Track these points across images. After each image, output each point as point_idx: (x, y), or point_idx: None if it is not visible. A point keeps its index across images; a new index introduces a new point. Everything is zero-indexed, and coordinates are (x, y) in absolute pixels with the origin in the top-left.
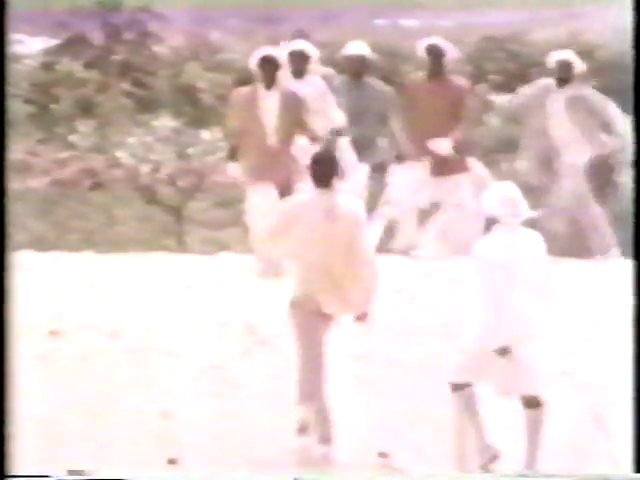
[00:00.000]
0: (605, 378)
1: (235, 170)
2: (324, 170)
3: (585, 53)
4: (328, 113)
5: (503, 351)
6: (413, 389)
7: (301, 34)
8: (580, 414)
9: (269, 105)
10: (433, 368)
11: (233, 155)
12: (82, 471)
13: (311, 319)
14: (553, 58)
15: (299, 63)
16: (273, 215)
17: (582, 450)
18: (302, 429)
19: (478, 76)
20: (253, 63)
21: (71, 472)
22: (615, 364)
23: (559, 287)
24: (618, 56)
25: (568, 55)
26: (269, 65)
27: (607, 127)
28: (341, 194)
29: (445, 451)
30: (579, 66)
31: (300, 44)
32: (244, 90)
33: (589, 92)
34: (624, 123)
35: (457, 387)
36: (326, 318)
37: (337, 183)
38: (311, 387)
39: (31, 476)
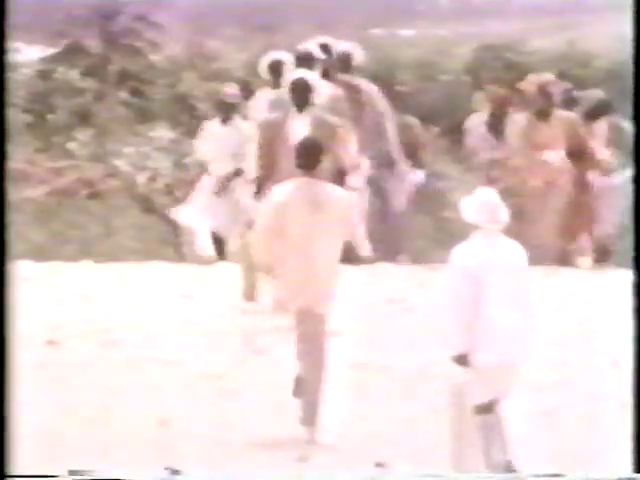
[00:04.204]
0: (600, 385)
1: None
2: (309, 157)
3: (582, 62)
4: None
5: (460, 359)
6: (410, 397)
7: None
8: (578, 420)
9: (300, 130)
10: (430, 376)
11: (259, 189)
12: (82, 471)
13: (302, 319)
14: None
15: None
16: (262, 215)
17: (581, 455)
18: (297, 388)
19: (474, 85)
20: (285, 86)
21: (71, 472)
22: (611, 371)
23: (541, 296)
24: (615, 65)
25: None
26: (301, 88)
27: None
28: (327, 182)
29: (443, 459)
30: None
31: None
32: (272, 116)
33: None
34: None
35: (482, 409)
36: (316, 316)
37: (322, 170)
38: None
39: (31, 476)
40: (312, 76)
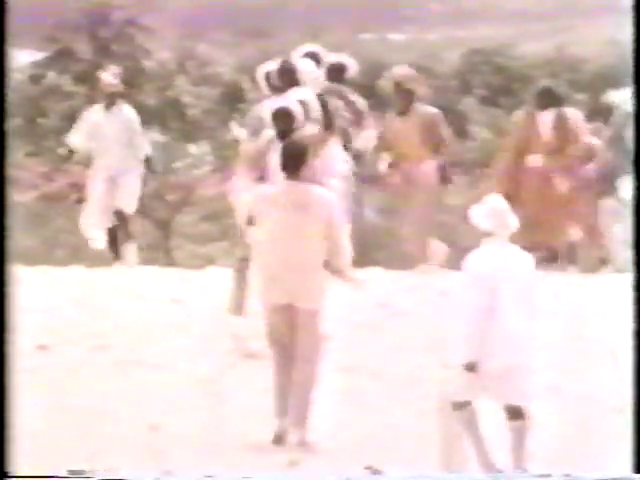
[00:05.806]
0: (600, 388)
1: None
2: (293, 160)
3: (572, 66)
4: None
5: (470, 366)
6: (399, 402)
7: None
8: (577, 421)
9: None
10: (419, 381)
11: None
12: (82, 471)
13: (276, 311)
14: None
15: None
16: (244, 207)
17: (580, 455)
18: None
19: (463, 90)
20: (267, 115)
21: (71, 472)
22: (610, 373)
23: (550, 301)
24: (605, 69)
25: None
26: (283, 118)
27: None
28: (311, 184)
29: (432, 462)
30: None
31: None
32: (254, 146)
33: None
34: None
35: (458, 406)
36: (292, 309)
37: (307, 173)
38: (281, 379)
39: (31, 476)
40: (298, 99)
